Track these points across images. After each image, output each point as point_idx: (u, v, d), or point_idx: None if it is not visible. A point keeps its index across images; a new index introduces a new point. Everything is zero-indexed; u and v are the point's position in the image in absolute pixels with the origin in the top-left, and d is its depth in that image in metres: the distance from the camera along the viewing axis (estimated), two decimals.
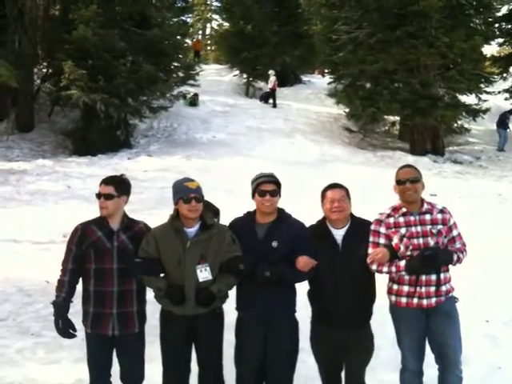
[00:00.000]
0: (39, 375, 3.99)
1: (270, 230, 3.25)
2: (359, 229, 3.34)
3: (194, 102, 17.46)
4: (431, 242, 3.26)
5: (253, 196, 3.30)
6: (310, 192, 11.08)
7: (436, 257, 3.19)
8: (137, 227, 3.32)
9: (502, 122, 15.87)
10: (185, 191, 3.16)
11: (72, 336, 3.22)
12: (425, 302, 3.27)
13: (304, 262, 3.14)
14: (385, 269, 3.26)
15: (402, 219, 3.31)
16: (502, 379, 4.01)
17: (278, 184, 3.31)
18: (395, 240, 3.29)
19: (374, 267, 3.26)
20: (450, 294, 3.32)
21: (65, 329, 3.19)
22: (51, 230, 7.90)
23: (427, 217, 3.30)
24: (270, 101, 18.62)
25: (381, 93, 14.20)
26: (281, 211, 3.35)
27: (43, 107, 15.57)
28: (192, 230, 3.19)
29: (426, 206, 3.32)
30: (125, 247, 3.21)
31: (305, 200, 9.93)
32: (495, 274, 5.89)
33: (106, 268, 3.18)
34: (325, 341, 3.34)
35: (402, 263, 3.23)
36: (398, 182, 3.35)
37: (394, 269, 3.25)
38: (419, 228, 3.28)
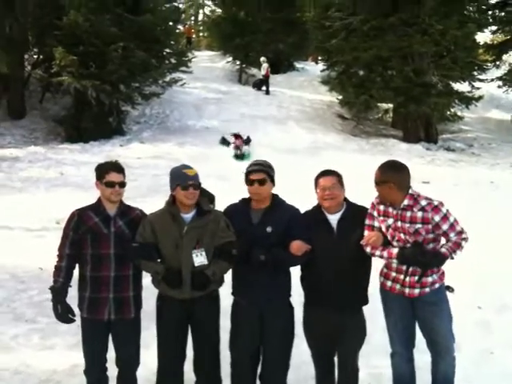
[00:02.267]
0: (34, 361, 4.00)
1: (264, 216, 3.27)
2: (354, 214, 3.36)
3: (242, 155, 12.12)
4: (409, 239, 3.22)
5: (245, 184, 3.33)
6: (303, 179, 11.12)
7: (426, 264, 3.18)
8: (133, 213, 3.34)
9: None
10: (183, 178, 3.18)
11: (71, 321, 3.24)
12: (407, 290, 3.29)
13: (297, 246, 3.17)
14: (377, 253, 3.28)
15: (391, 209, 3.30)
16: (495, 364, 4.06)
17: (268, 172, 3.32)
18: (383, 228, 3.31)
19: (367, 250, 3.27)
20: (437, 285, 3.29)
21: (63, 314, 3.20)
22: (44, 216, 7.88)
23: (407, 214, 3.23)
24: (263, 88, 18.54)
25: (374, 80, 14.15)
26: (275, 197, 3.37)
27: (34, 94, 15.43)
28: (188, 216, 3.22)
29: (406, 202, 3.23)
30: (122, 233, 3.23)
31: (298, 187, 10.00)
32: (488, 260, 5.93)
33: (103, 253, 3.20)
34: (318, 325, 3.36)
35: (395, 251, 3.23)
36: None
37: (385, 254, 3.27)
38: (399, 223, 3.25)
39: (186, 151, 12.05)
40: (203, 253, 3.18)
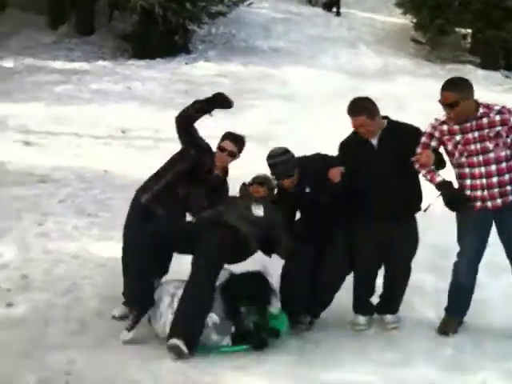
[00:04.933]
0: (93, 248, 4.29)
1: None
2: (396, 130, 3.47)
3: None
4: (490, 145, 3.22)
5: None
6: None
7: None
8: None
9: None
10: None
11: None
12: (489, 204, 3.27)
13: (333, 173, 3.37)
14: (423, 172, 3.35)
15: (457, 126, 3.29)
16: None
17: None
18: (449, 147, 3.33)
19: (416, 166, 3.34)
20: None
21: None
22: (111, 126, 8.13)
23: (484, 120, 3.25)
24: (334, 9, 17.76)
25: (451, 3, 13.25)
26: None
27: (102, 12, 15.52)
28: None
29: (481, 110, 3.26)
30: None
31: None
32: None
33: None
34: (366, 237, 3.49)
35: (438, 179, 3.30)
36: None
37: (428, 177, 3.34)
38: (476, 133, 3.25)
39: (250, 71, 11.88)
40: None
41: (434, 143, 3.36)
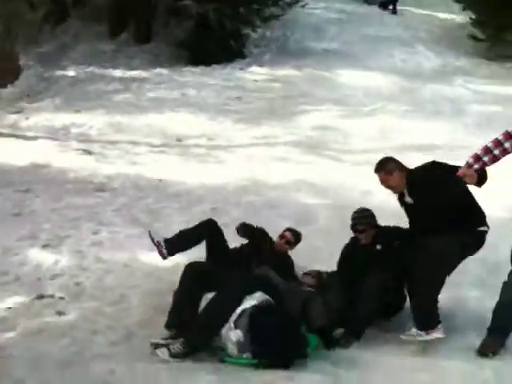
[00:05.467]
0: (143, 258, 4.47)
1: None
2: (419, 177, 3.71)
3: None
4: None
5: None
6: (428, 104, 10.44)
7: None
8: None
9: None
10: None
11: None
12: None
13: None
14: None
15: None
16: None
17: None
18: None
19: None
20: None
21: None
22: (166, 133, 8.42)
23: None
24: (390, 7, 17.43)
25: None
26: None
27: (159, 20, 15.93)
28: None
29: None
30: None
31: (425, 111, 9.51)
32: None
33: None
34: None
35: None
36: None
37: None
38: None
39: (303, 74, 11.90)
40: None
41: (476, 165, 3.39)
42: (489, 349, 3.39)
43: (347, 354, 3.51)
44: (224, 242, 4.14)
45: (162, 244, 4.03)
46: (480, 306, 3.90)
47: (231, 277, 3.65)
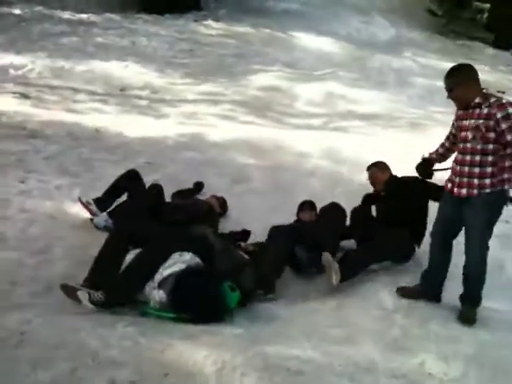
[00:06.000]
0: (72, 210, 4.39)
1: None
2: (398, 186, 4.34)
3: None
4: (469, 135, 3.34)
5: None
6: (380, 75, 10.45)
7: None
8: None
9: None
10: None
11: None
12: (455, 190, 3.42)
13: None
14: None
15: (461, 112, 3.48)
16: None
17: None
18: (453, 131, 3.63)
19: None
20: (488, 190, 3.30)
21: None
22: (110, 83, 8.17)
23: (476, 111, 3.35)
24: None
25: None
26: None
27: None
28: None
29: (477, 100, 3.34)
30: None
31: (374, 80, 9.56)
32: None
33: None
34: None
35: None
36: None
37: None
38: (466, 122, 3.39)
39: (259, 34, 11.72)
40: None
41: (453, 130, 3.63)
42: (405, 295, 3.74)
43: (268, 311, 3.65)
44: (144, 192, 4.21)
45: (91, 201, 4.06)
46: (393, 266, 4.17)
47: (158, 234, 3.67)
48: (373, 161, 4.65)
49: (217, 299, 3.46)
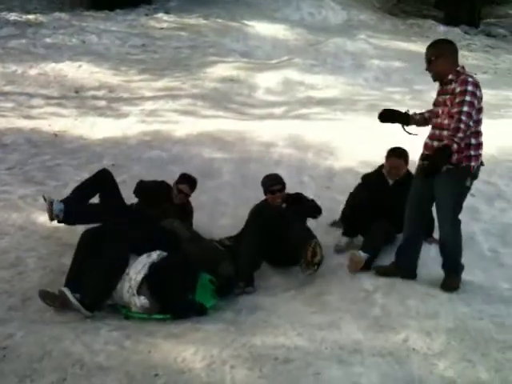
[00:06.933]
0: (39, 219, 4.30)
1: None
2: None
3: None
4: (439, 111, 3.47)
5: None
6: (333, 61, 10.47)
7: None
8: None
9: None
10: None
11: None
12: (426, 163, 3.48)
13: None
14: None
15: (440, 88, 3.57)
16: None
17: None
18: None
19: None
20: (455, 165, 3.37)
21: None
22: (64, 85, 7.99)
23: (448, 86, 3.44)
24: None
25: None
26: None
27: None
28: None
29: (450, 77, 3.43)
30: None
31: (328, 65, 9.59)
32: None
33: None
34: None
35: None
36: None
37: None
38: (440, 98, 3.51)
39: (211, 24, 11.63)
40: None
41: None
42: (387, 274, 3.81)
43: (250, 302, 3.68)
44: (118, 193, 4.13)
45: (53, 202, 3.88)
46: None
47: (120, 235, 3.62)
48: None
49: (193, 302, 3.51)
